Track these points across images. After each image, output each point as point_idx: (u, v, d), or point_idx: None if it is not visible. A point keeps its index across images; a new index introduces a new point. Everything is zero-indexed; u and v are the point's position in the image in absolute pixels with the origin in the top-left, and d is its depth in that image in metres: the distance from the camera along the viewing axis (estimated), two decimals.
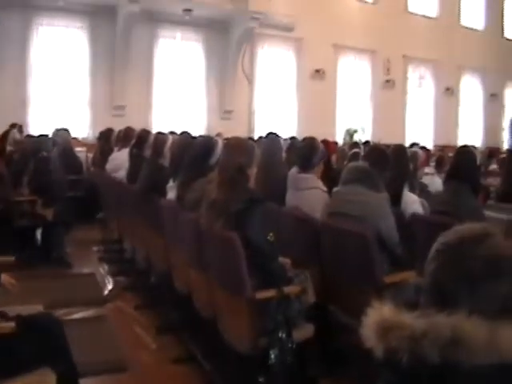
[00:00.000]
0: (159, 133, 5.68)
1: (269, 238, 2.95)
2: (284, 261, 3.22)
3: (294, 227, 3.82)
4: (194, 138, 4.71)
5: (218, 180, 3.09)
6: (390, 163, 3.94)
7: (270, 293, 2.87)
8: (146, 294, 5.00)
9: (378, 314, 1.11)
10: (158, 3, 10.49)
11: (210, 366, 3.52)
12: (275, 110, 12.74)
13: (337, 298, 3.39)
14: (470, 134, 16.41)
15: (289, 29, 12.30)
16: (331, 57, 13.33)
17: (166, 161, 4.91)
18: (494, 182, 6.11)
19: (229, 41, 11.82)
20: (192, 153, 3.97)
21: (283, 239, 3.38)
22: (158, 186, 4.54)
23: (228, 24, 11.68)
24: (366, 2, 14.14)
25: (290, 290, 2.98)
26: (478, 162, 4.59)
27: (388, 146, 4.91)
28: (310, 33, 12.55)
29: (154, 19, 11.20)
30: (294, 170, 4.24)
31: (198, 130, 10.15)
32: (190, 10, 10.67)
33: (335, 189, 3.73)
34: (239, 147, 3.16)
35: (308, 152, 4.16)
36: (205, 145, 3.99)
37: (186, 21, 11.18)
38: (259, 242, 2.92)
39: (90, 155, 9.08)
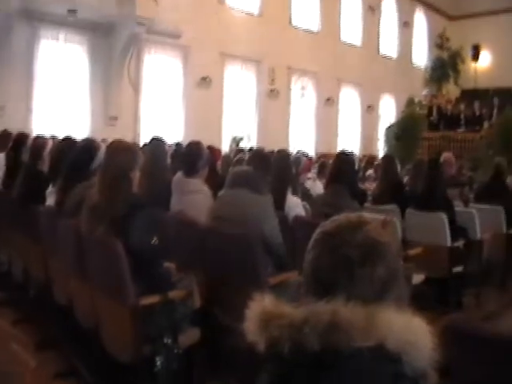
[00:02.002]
0: (38, 136, 5.43)
1: (153, 242, 2.90)
2: (168, 265, 3.18)
3: (179, 231, 3.78)
4: (76, 141, 4.54)
5: (99, 184, 2.99)
6: (272, 167, 4.02)
7: (154, 298, 2.83)
8: (24, 308, 4.72)
9: (259, 306, 1.11)
10: (41, 2, 10.00)
11: (94, 380, 3.39)
12: (162, 116, 12.60)
13: (222, 302, 3.39)
14: (349, 142, 17.20)
15: (176, 36, 12.22)
16: (218, 65, 13.43)
17: (45, 165, 4.69)
18: (370, 187, 6.43)
19: (114, 45, 11.54)
20: (72, 156, 3.83)
21: (168, 244, 3.35)
22: (36, 191, 4.32)
23: (114, 28, 11.40)
24: (251, 14, 14.40)
25: (174, 294, 2.94)
26: (356, 168, 4.82)
27: (272, 153, 5.02)
28: (197, 41, 12.57)
29: (36, 18, 10.64)
30: (178, 174, 4.21)
31: (81, 135, 9.78)
32: (74, 11, 10.27)
33: (220, 193, 3.74)
34: (121, 150, 3.09)
35: (193, 156, 4.14)
36: (86, 148, 3.86)
37: (70, 22, 10.74)
38: (143, 247, 2.86)
39: None
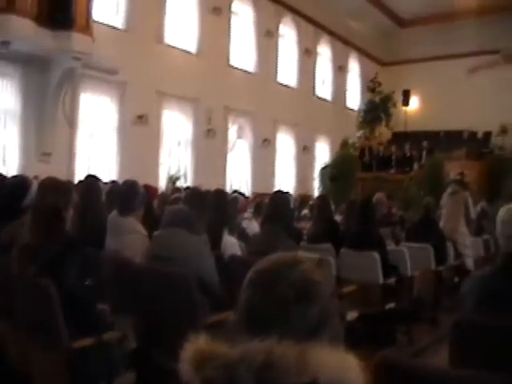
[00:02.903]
0: None
1: (87, 283, 2.85)
2: (103, 307, 3.11)
3: (114, 272, 3.71)
4: (6, 178, 4.43)
5: (31, 222, 2.92)
6: (209, 206, 4.03)
7: (88, 341, 2.75)
8: None
9: (194, 347, 1.11)
10: None
11: None
12: (97, 153, 12.42)
13: (160, 342, 3.34)
14: (285, 182, 17.44)
15: (112, 72, 12.15)
16: (155, 103, 13.39)
17: None
18: (305, 226, 6.53)
19: (49, 79, 11.31)
20: (3, 193, 3.72)
21: (103, 284, 3.28)
22: None
23: (49, 62, 11.18)
24: (189, 53, 14.53)
25: (109, 336, 2.88)
26: (292, 207, 4.91)
27: (209, 192, 5.03)
28: (134, 78, 12.53)
29: None
30: (113, 213, 4.14)
31: (12, 172, 9.50)
32: (7, 43, 10.03)
33: (156, 232, 3.71)
34: (55, 188, 3.04)
35: (128, 195, 4.08)
36: (17, 185, 3.77)
37: (3, 54, 10.49)
38: (76, 288, 2.79)
39: None
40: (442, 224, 7.58)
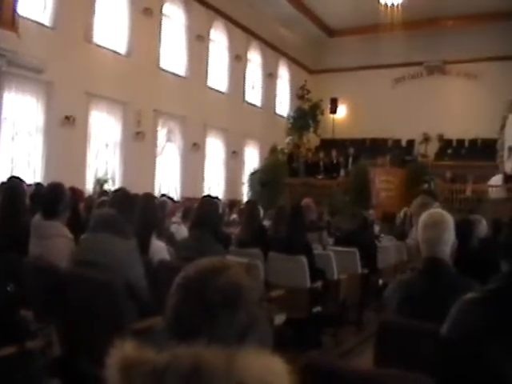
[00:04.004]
0: None
1: (8, 289, 2.75)
2: (26, 313, 3.02)
3: (38, 277, 3.60)
4: None
5: None
6: (136, 210, 3.98)
7: (10, 349, 2.66)
8: None
9: (120, 353, 1.10)
10: None
11: None
12: (21, 154, 11.97)
13: (86, 350, 3.26)
14: (214, 186, 17.43)
15: (38, 71, 11.76)
16: (83, 105, 13.05)
17: None
18: (234, 231, 6.57)
19: None
20: None
21: (25, 290, 3.18)
22: None
23: None
24: (119, 54, 14.26)
25: (32, 344, 2.79)
26: (220, 212, 4.93)
27: (137, 196, 4.96)
28: (62, 78, 12.16)
29: None
30: (37, 216, 4.01)
31: None
32: None
33: (82, 236, 3.62)
34: None
35: (53, 198, 3.96)
36: None
37: None
38: None
39: None
40: (412, 232, 7.92)
